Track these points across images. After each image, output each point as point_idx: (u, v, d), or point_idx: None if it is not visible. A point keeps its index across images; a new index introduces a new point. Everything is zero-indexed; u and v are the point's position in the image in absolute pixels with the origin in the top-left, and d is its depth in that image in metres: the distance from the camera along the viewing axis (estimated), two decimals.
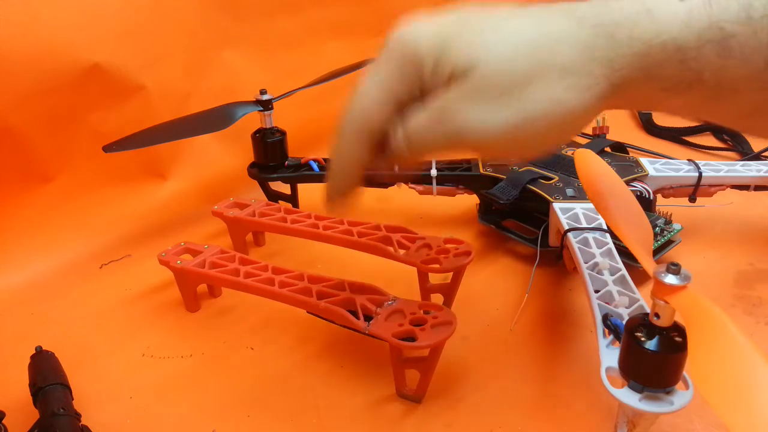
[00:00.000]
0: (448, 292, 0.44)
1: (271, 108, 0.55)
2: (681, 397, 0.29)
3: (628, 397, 0.29)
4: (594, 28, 0.25)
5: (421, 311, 0.37)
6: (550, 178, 0.52)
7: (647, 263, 0.30)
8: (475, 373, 0.40)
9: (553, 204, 0.48)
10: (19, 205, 0.54)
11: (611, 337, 0.33)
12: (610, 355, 0.32)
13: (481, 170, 0.55)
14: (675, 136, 0.76)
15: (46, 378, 0.37)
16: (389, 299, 0.38)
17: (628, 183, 0.50)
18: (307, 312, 0.40)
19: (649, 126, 0.79)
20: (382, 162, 0.29)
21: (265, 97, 0.54)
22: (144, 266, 0.53)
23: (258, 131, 0.57)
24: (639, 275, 0.41)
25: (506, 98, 0.25)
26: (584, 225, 0.45)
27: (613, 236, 0.42)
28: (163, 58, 0.61)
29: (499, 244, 0.54)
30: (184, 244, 0.48)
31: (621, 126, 0.80)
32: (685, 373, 0.29)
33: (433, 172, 0.55)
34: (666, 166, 0.53)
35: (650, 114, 0.80)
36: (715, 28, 0.24)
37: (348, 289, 0.39)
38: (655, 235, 0.48)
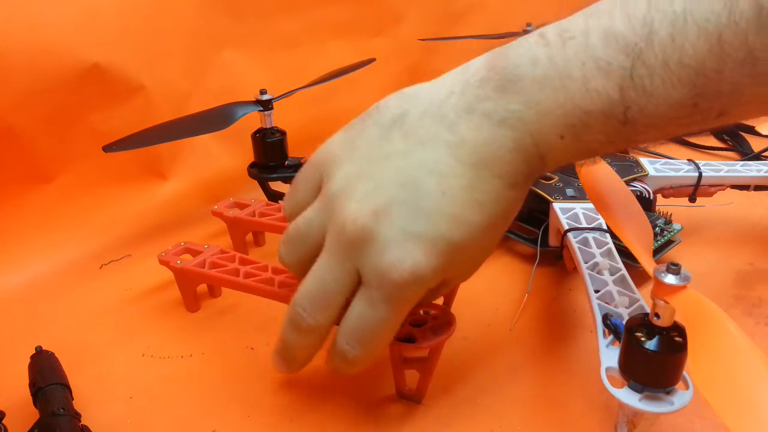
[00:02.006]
0: (448, 292, 0.44)
1: (271, 108, 0.55)
2: (681, 397, 0.29)
3: (628, 397, 0.29)
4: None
5: (421, 312, 0.37)
6: (550, 178, 0.52)
7: (647, 263, 0.30)
8: (475, 373, 0.40)
9: (553, 204, 0.48)
10: (19, 205, 0.54)
11: (611, 337, 0.33)
12: (610, 355, 0.32)
13: None
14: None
15: (46, 378, 0.37)
16: None
17: (628, 183, 0.50)
18: None
19: None
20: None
21: (265, 97, 0.54)
22: (144, 266, 0.53)
23: (258, 131, 0.57)
24: (639, 275, 0.41)
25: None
26: (584, 225, 0.45)
27: (613, 236, 0.42)
28: (163, 58, 0.61)
29: (499, 244, 0.54)
30: (184, 244, 0.48)
31: None
32: (685, 373, 0.29)
33: None
34: (666, 166, 0.53)
35: None
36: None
37: None
38: (655, 235, 0.48)
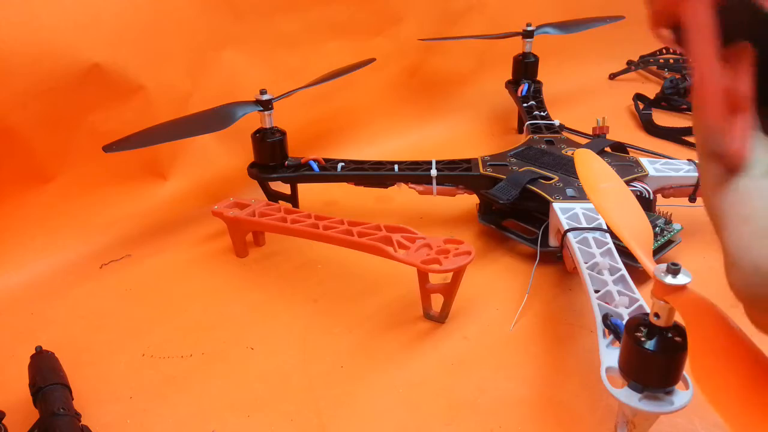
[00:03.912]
0: (448, 292, 0.44)
1: (271, 108, 0.55)
2: (681, 397, 0.29)
3: (628, 397, 0.29)
4: None
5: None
6: (550, 178, 0.52)
7: (647, 263, 0.30)
8: (475, 373, 0.40)
9: (553, 204, 0.48)
10: (19, 205, 0.54)
11: (611, 337, 0.33)
12: (610, 355, 0.32)
13: (481, 170, 0.55)
14: (675, 136, 0.76)
15: (46, 378, 0.37)
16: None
17: (628, 183, 0.50)
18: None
19: (649, 126, 0.79)
20: None
21: (265, 97, 0.54)
22: (144, 266, 0.53)
23: (258, 131, 0.57)
24: (639, 275, 0.41)
25: None
26: (584, 225, 0.45)
27: (613, 236, 0.42)
28: (163, 58, 0.61)
29: (499, 244, 0.54)
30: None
31: (621, 126, 0.80)
32: (685, 373, 0.29)
33: (433, 172, 0.55)
34: (666, 166, 0.53)
35: (650, 114, 0.80)
36: None
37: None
38: (655, 235, 0.48)
